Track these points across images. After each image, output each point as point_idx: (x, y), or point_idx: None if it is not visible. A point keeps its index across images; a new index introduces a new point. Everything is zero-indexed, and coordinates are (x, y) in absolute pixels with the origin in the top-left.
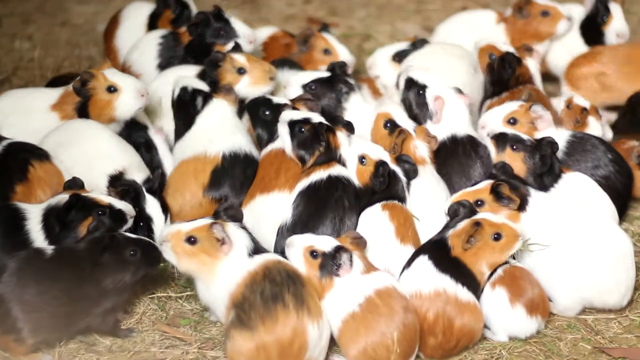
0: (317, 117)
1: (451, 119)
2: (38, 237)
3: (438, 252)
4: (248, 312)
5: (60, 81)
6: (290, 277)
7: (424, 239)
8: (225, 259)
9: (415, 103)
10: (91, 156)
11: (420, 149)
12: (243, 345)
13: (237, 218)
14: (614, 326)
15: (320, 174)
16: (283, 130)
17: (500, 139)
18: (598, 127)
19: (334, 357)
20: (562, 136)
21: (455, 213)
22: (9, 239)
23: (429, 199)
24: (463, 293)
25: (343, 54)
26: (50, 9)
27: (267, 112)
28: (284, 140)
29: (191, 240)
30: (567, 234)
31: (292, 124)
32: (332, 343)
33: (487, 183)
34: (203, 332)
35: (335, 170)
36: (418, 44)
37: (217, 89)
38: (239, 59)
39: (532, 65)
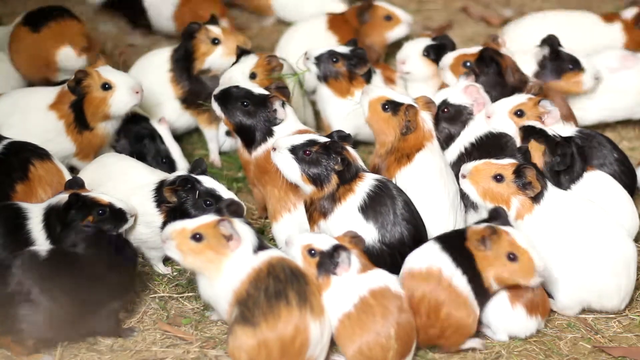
0: (320, 137)
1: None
2: (39, 237)
3: (452, 238)
4: (252, 309)
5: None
6: (294, 275)
7: (429, 221)
8: (232, 256)
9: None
10: (128, 187)
11: (427, 122)
12: (245, 341)
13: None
14: (613, 325)
15: (365, 185)
16: (283, 158)
17: (527, 131)
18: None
19: (335, 357)
20: (568, 132)
21: (495, 214)
22: (11, 238)
23: (439, 179)
24: (461, 282)
25: (404, 17)
26: None
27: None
28: (285, 168)
29: (197, 237)
30: (575, 235)
31: (294, 150)
32: (334, 342)
33: (512, 161)
34: (204, 331)
35: (371, 176)
36: (438, 39)
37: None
38: (214, 30)
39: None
